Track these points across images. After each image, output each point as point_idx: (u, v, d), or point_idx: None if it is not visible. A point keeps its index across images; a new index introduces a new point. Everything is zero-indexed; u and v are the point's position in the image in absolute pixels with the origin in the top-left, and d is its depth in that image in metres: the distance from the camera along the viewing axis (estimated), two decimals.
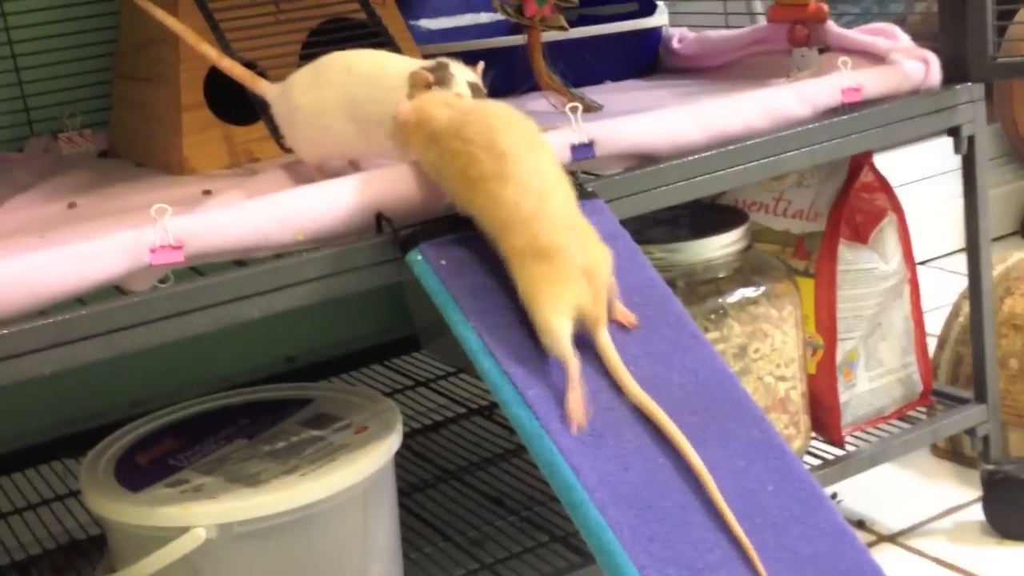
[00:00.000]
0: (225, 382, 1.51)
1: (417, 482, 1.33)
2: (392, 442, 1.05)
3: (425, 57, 1.19)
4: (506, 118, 0.91)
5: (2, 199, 1.17)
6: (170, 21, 1.12)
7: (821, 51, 1.32)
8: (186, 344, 0.94)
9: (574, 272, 0.84)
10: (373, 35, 1.22)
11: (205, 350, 1.52)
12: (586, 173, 1.06)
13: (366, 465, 1.01)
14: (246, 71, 1.11)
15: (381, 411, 1.10)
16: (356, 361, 1.62)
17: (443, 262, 0.91)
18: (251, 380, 1.44)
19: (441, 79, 0.97)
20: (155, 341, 0.88)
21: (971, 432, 1.34)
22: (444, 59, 1.00)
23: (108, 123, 1.39)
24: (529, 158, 0.88)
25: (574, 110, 1.04)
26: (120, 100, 1.34)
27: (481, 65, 1.03)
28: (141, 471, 1.04)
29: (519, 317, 0.88)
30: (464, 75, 0.99)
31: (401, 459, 1.30)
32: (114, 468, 1.06)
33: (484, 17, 1.61)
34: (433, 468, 1.36)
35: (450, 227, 0.94)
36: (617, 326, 0.89)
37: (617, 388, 0.85)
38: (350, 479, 1.00)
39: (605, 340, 0.86)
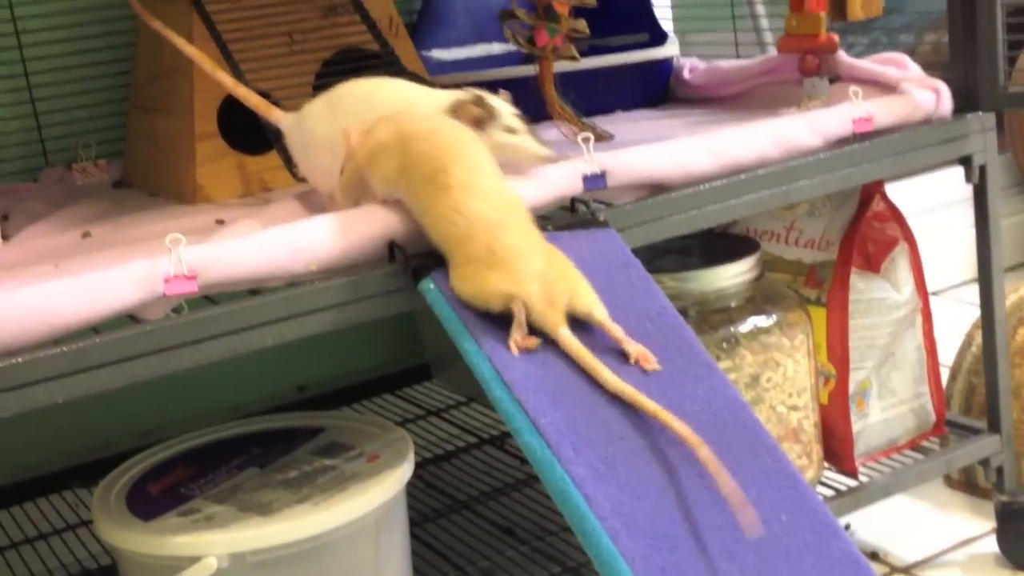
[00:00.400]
0: (236, 412, 1.52)
1: (428, 512, 1.32)
2: (404, 471, 1.05)
3: (442, 87, 1.20)
4: (465, 134, 0.94)
5: (17, 229, 1.18)
6: (189, 49, 1.13)
7: (832, 81, 1.32)
8: (197, 374, 0.94)
9: (527, 274, 0.86)
10: (386, 65, 1.23)
11: (216, 380, 1.53)
12: (598, 202, 1.06)
13: (378, 494, 1.01)
14: (261, 99, 1.12)
15: (393, 440, 1.10)
16: (367, 390, 1.62)
17: None
18: (262, 410, 1.44)
19: (488, 112, 0.98)
20: (168, 369, 0.88)
21: (985, 463, 1.33)
22: (477, 91, 1.00)
23: (122, 153, 1.40)
24: (489, 173, 0.91)
25: (586, 140, 1.05)
26: (134, 130, 1.35)
27: (506, 95, 1.03)
28: (153, 500, 1.04)
29: None
30: (506, 108, 0.99)
31: (412, 489, 1.29)
32: (126, 497, 1.06)
33: (496, 48, 1.62)
34: (444, 498, 1.36)
35: None
36: (626, 357, 0.89)
37: (630, 418, 0.85)
38: (362, 508, 1.00)
39: (567, 336, 0.86)
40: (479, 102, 0.99)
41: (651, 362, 0.89)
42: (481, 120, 0.98)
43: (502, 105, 1.00)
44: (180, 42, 1.13)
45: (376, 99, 1.04)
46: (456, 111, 0.98)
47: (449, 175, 0.90)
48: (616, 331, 0.89)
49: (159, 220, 1.15)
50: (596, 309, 0.89)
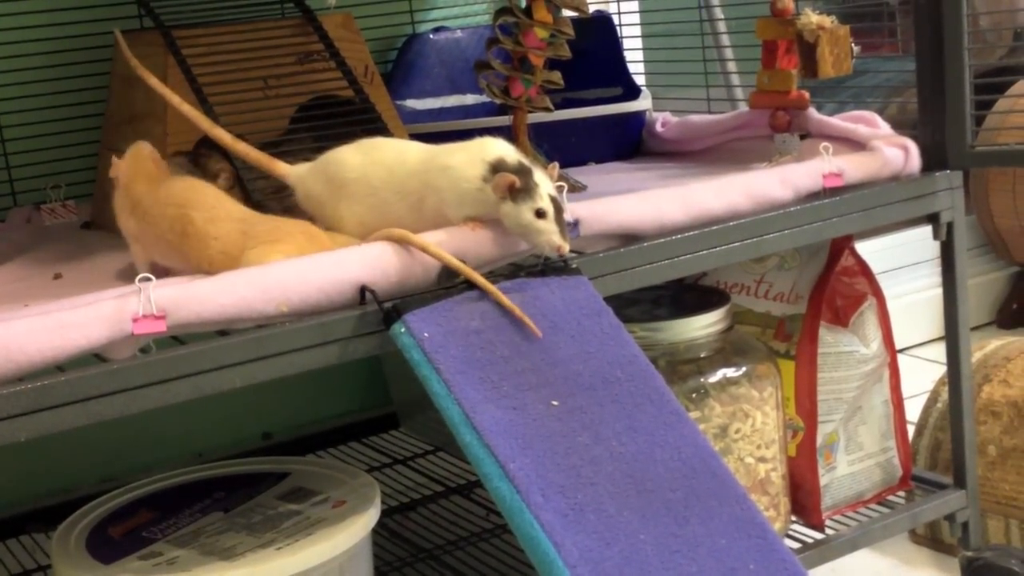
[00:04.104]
0: (200, 458, 1.50)
1: (394, 560, 1.31)
2: (370, 517, 1.04)
3: (412, 137, 1.20)
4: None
5: None
6: (184, 106, 1.11)
7: (802, 137, 1.34)
8: (161, 418, 0.93)
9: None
10: (360, 112, 1.23)
11: (180, 425, 1.51)
12: (571, 251, 1.07)
13: (343, 540, 1.00)
14: (263, 154, 1.10)
15: (359, 486, 1.09)
16: (333, 438, 1.61)
17: (426, 335, 0.91)
18: (226, 456, 1.43)
19: (524, 185, 0.97)
20: (134, 409, 0.87)
21: (950, 518, 1.34)
22: (528, 162, 0.99)
23: (91, 195, 1.39)
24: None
25: (559, 189, 1.05)
26: (105, 172, 1.34)
27: (556, 167, 1.03)
28: (114, 544, 1.03)
29: (502, 392, 0.88)
30: (547, 187, 0.98)
31: (378, 537, 1.28)
32: (86, 540, 1.04)
33: (469, 99, 1.63)
34: (410, 547, 1.35)
35: (432, 300, 0.94)
36: (596, 400, 0.89)
37: (600, 463, 0.85)
38: (327, 554, 0.99)
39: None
40: (521, 171, 0.98)
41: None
42: (514, 190, 0.97)
43: (544, 183, 0.98)
44: (170, 95, 1.11)
45: (410, 154, 1.04)
46: (495, 169, 0.98)
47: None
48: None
49: (130, 261, 1.14)
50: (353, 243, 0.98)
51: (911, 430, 1.44)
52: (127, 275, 1.07)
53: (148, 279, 0.88)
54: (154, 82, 1.11)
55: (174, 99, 1.11)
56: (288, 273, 0.94)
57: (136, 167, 1.08)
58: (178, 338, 0.92)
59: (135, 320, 0.88)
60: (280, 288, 0.93)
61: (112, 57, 1.34)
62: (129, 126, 1.29)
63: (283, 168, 1.10)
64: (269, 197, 1.14)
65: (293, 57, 1.26)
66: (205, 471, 1.17)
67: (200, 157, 1.16)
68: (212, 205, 1.02)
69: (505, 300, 0.94)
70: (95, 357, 0.89)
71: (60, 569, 1.00)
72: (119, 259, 1.16)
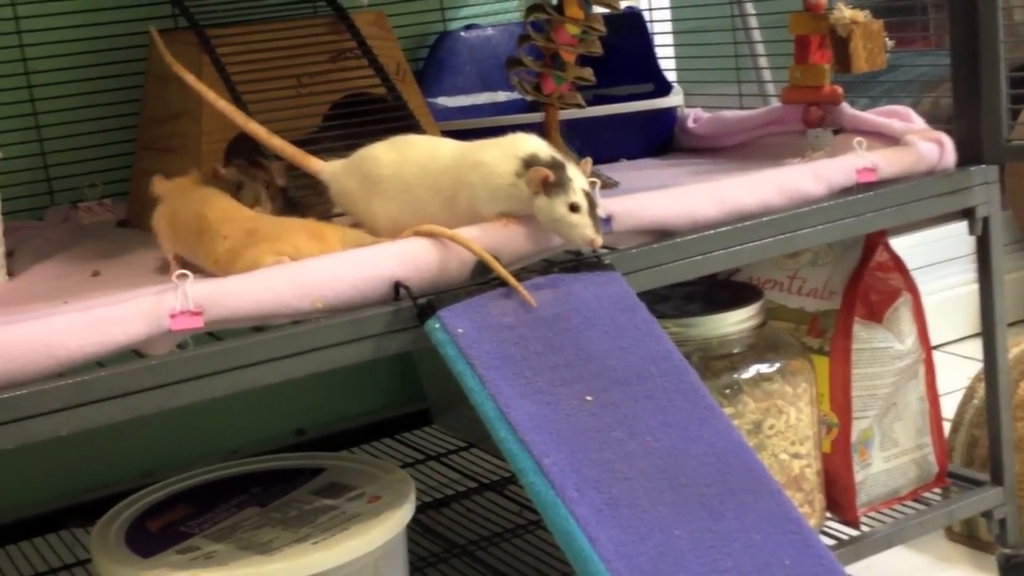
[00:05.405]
0: (234, 455, 1.51)
1: (428, 556, 1.31)
2: (405, 512, 1.04)
3: (443, 134, 1.21)
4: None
5: (23, 267, 1.18)
6: (221, 104, 1.12)
7: (835, 132, 1.33)
8: (196, 415, 0.94)
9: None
10: (393, 110, 1.24)
11: (215, 422, 1.52)
12: (604, 246, 1.07)
13: (379, 535, 1.01)
14: (297, 149, 1.11)
15: (394, 481, 1.10)
16: (367, 434, 1.62)
17: (460, 330, 0.91)
18: (261, 452, 1.44)
19: (558, 180, 0.98)
20: (172, 404, 0.88)
21: (987, 515, 1.33)
22: (560, 156, 1.00)
23: (127, 193, 1.40)
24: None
25: (592, 186, 1.05)
26: (141, 170, 1.36)
27: (589, 163, 1.03)
28: (152, 538, 1.04)
29: (536, 387, 0.89)
30: (580, 181, 0.98)
31: (411, 533, 1.28)
32: (125, 535, 1.05)
33: (501, 96, 1.63)
34: (443, 543, 1.35)
35: (466, 296, 0.94)
36: (630, 395, 0.89)
37: (634, 458, 0.85)
38: (363, 548, 0.99)
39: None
40: (554, 166, 0.98)
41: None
42: (548, 184, 0.98)
43: (577, 177, 0.99)
44: (205, 91, 1.12)
45: (443, 151, 1.04)
46: (528, 165, 0.98)
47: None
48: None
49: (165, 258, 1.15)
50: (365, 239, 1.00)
51: (947, 427, 1.43)
52: (163, 272, 1.08)
53: (185, 275, 0.89)
54: (190, 78, 1.12)
55: (209, 95, 1.12)
56: (322, 269, 0.94)
57: (178, 183, 1.12)
58: (215, 334, 0.92)
59: (172, 316, 0.88)
60: (315, 284, 0.93)
61: (147, 57, 1.35)
62: (164, 125, 1.30)
63: (317, 164, 1.11)
64: (307, 197, 1.15)
65: (326, 55, 1.27)
66: (241, 466, 1.18)
67: (248, 167, 1.17)
68: (225, 206, 1.04)
69: (501, 271, 0.95)
70: (133, 353, 0.89)
71: (100, 563, 1.01)
72: (155, 256, 1.17)
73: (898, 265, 1.33)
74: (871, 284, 1.30)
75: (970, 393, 1.51)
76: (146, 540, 1.03)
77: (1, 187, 1.20)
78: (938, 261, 2.21)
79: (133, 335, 0.87)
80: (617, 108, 1.47)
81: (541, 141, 1.01)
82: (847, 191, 1.19)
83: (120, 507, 1.10)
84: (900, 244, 1.47)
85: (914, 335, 1.33)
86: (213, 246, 1.01)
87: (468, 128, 1.42)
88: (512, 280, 0.95)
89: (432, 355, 0.93)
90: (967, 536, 1.48)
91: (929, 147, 1.23)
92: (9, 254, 1.21)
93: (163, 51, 1.13)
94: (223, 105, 1.11)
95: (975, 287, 1.31)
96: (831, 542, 1.25)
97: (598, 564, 0.79)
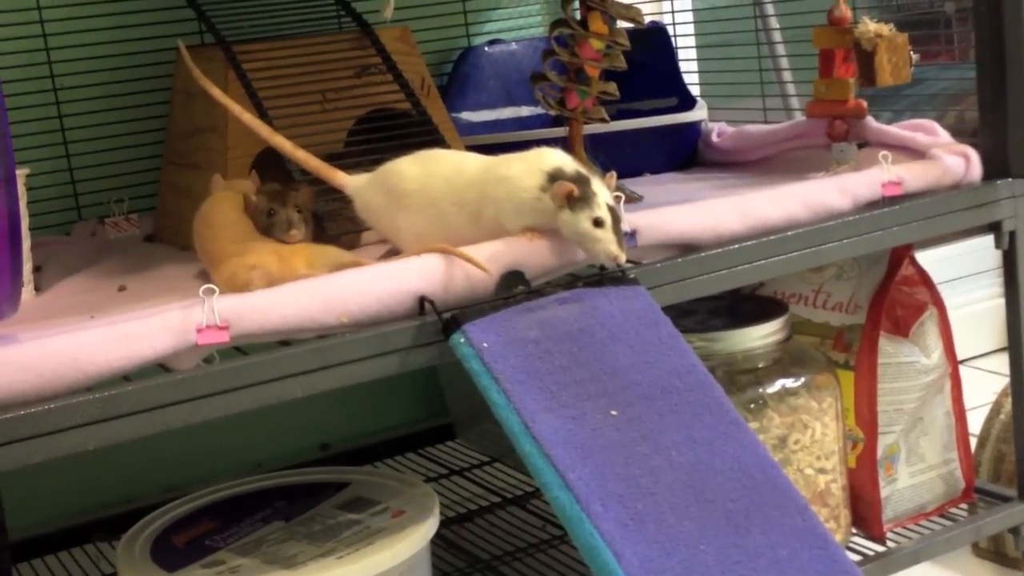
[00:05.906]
0: (259, 469, 1.51)
1: (451, 571, 1.31)
2: (429, 527, 1.05)
3: (468, 148, 1.21)
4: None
5: (51, 281, 1.19)
6: (245, 117, 1.12)
7: (860, 146, 1.33)
8: (221, 429, 0.94)
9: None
10: (417, 125, 1.24)
11: (240, 436, 1.53)
12: (628, 261, 1.07)
13: (403, 549, 1.01)
14: (322, 163, 1.11)
15: (418, 496, 1.10)
16: (391, 449, 1.62)
17: (485, 345, 0.91)
18: (285, 466, 1.44)
19: (582, 194, 0.98)
20: (198, 418, 0.88)
21: (1015, 531, 1.32)
22: (586, 171, 1.00)
23: (153, 208, 1.41)
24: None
25: (616, 200, 1.05)
26: (167, 186, 1.37)
27: (613, 177, 1.03)
28: (177, 552, 1.04)
29: (561, 401, 0.89)
30: (605, 196, 0.99)
31: (435, 548, 1.28)
32: (150, 549, 1.05)
33: (524, 111, 1.64)
34: (467, 557, 1.35)
35: (491, 311, 0.94)
36: (655, 409, 0.89)
37: (660, 473, 0.85)
38: (387, 563, 0.99)
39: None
40: (579, 180, 0.98)
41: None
42: (572, 198, 0.98)
43: (601, 192, 0.99)
44: (231, 104, 1.12)
45: (468, 165, 1.05)
46: (553, 179, 0.99)
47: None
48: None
49: (193, 274, 1.16)
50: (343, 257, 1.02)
51: (973, 442, 1.42)
52: (190, 287, 1.08)
53: (212, 290, 0.89)
54: (215, 91, 1.13)
55: (235, 107, 1.12)
56: (348, 284, 0.95)
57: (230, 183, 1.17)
58: (241, 348, 0.93)
59: (199, 331, 0.89)
60: (341, 299, 0.94)
61: (174, 72, 1.36)
62: (190, 140, 1.31)
63: (342, 178, 1.11)
64: (333, 211, 1.15)
65: (351, 70, 1.27)
66: (266, 481, 1.18)
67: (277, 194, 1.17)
68: (221, 224, 1.07)
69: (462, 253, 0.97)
70: (160, 367, 0.90)
71: None
72: (181, 271, 1.18)
73: (924, 279, 1.32)
74: (897, 298, 1.30)
75: (997, 408, 1.50)
76: (171, 554, 1.04)
77: (29, 203, 1.21)
78: (964, 275, 2.20)
79: (160, 349, 0.88)
80: (641, 122, 1.47)
81: (566, 155, 1.02)
82: (872, 205, 1.19)
83: (145, 521, 1.11)
84: (926, 258, 1.46)
85: (940, 349, 1.32)
86: (207, 263, 1.06)
87: (492, 143, 1.43)
88: (459, 252, 0.97)
89: (455, 369, 0.93)
90: (994, 552, 1.47)
91: (955, 161, 1.23)
92: (37, 269, 1.22)
93: (190, 64, 1.14)
94: (248, 118, 1.12)
95: (1001, 301, 1.31)
96: (857, 558, 1.24)
97: None
